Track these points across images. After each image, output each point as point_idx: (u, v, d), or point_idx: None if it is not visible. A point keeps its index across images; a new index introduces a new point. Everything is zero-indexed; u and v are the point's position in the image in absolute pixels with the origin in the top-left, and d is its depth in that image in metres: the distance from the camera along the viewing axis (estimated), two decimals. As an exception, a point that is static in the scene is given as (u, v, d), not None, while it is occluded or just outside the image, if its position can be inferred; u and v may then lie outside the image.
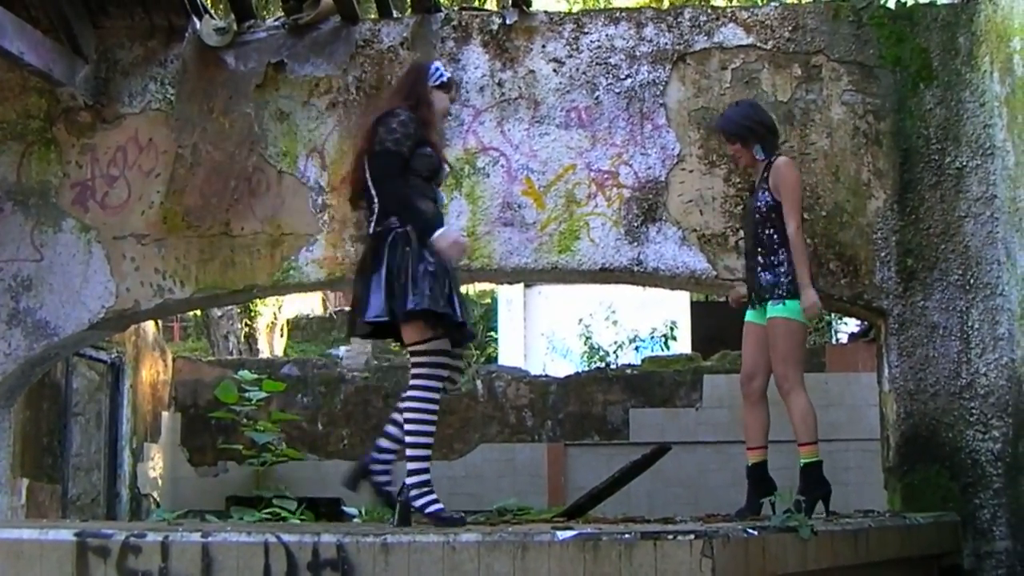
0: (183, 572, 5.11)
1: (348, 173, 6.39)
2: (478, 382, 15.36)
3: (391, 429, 6.08)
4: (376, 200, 5.88)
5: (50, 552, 5.31)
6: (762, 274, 6.84)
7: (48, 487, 11.49)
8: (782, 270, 6.77)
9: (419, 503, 5.74)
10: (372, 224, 5.90)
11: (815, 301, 6.71)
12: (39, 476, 11.31)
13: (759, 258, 6.87)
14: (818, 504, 6.64)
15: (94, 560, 5.22)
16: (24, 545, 5.39)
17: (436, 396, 5.86)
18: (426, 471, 5.82)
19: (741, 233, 7.39)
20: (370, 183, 5.89)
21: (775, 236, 6.81)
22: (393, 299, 5.71)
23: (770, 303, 6.77)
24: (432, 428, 5.87)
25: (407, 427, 5.84)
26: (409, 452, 5.84)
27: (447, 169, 6.28)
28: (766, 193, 6.83)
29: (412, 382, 5.86)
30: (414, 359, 5.87)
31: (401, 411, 5.94)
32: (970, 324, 7.33)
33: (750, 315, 7.00)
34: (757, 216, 6.87)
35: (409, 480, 5.80)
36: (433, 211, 5.97)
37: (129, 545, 5.18)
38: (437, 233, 5.78)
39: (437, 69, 6.21)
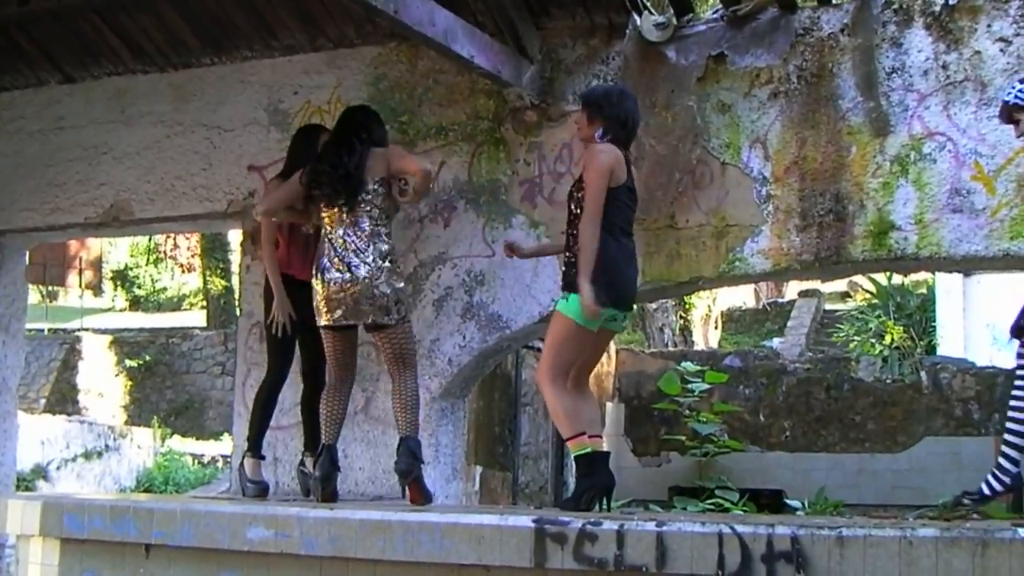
0: (638, 560, 5.21)
1: None
2: (922, 373, 14.97)
3: None
4: None
5: (509, 537, 5.52)
6: (568, 262, 6.64)
7: (500, 474, 11.95)
8: (573, 260, 6.55)
9: None
10: None
11: (591, 302, 6.32)
12: (491, 464, 11.79)
13: (569, 242, 6.66)
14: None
15: (551, 546, 5.40)
16: (484, 530, 5.62)
17: None
18: None
19: None
20: None
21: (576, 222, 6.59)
22: None
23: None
24: None
25: None
26: None
27: None
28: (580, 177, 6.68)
29: None
30: None
31: None
32: None
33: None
34: (569, 198, 6.79)
35: None
36: None
37: (586, 532, 5.33)
38: None
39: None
